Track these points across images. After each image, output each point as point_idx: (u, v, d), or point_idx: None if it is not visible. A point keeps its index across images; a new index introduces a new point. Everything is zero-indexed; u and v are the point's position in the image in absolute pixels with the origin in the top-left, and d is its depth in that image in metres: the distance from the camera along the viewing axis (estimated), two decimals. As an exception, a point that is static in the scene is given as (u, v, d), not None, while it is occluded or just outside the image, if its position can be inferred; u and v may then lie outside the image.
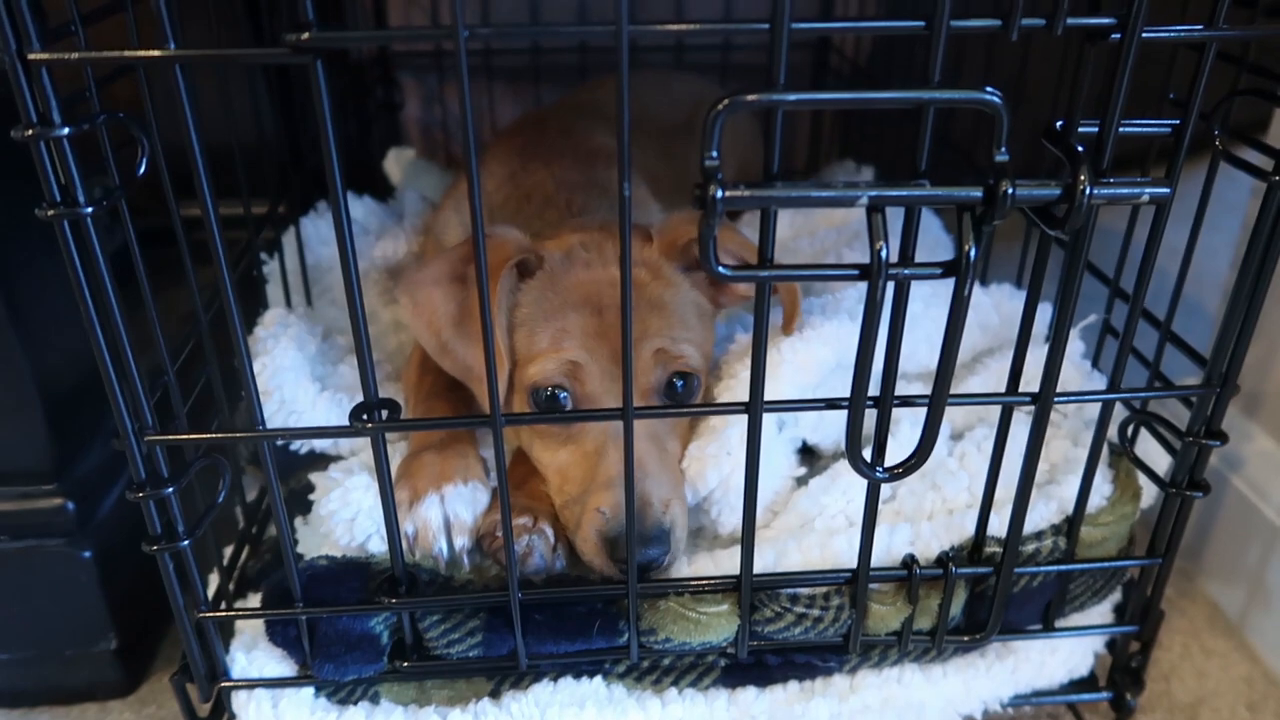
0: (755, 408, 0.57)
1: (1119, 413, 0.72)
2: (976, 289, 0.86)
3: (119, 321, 0.54)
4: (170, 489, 0.59)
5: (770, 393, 0.70)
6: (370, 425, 0.57)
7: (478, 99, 1.54)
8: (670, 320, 0.70)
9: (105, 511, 0.80)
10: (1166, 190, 0.50)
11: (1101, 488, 0.70)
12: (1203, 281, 0.69)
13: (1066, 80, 0.62)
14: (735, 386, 0.72)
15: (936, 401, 0.56)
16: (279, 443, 0.79)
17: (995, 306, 0.81)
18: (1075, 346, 0.83)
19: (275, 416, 0.78)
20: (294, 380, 0.78)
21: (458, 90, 1.59)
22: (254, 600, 0.70)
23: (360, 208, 1.11)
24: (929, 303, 0.77)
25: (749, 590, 0.64)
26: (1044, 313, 0.83)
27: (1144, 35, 0.48)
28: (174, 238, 0.64)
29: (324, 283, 1.01)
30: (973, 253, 0.50)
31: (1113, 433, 0.72)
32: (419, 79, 1.55)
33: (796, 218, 1.02)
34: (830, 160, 1.47)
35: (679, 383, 0.70)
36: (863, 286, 0.78)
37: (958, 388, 0.77)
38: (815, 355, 0.71)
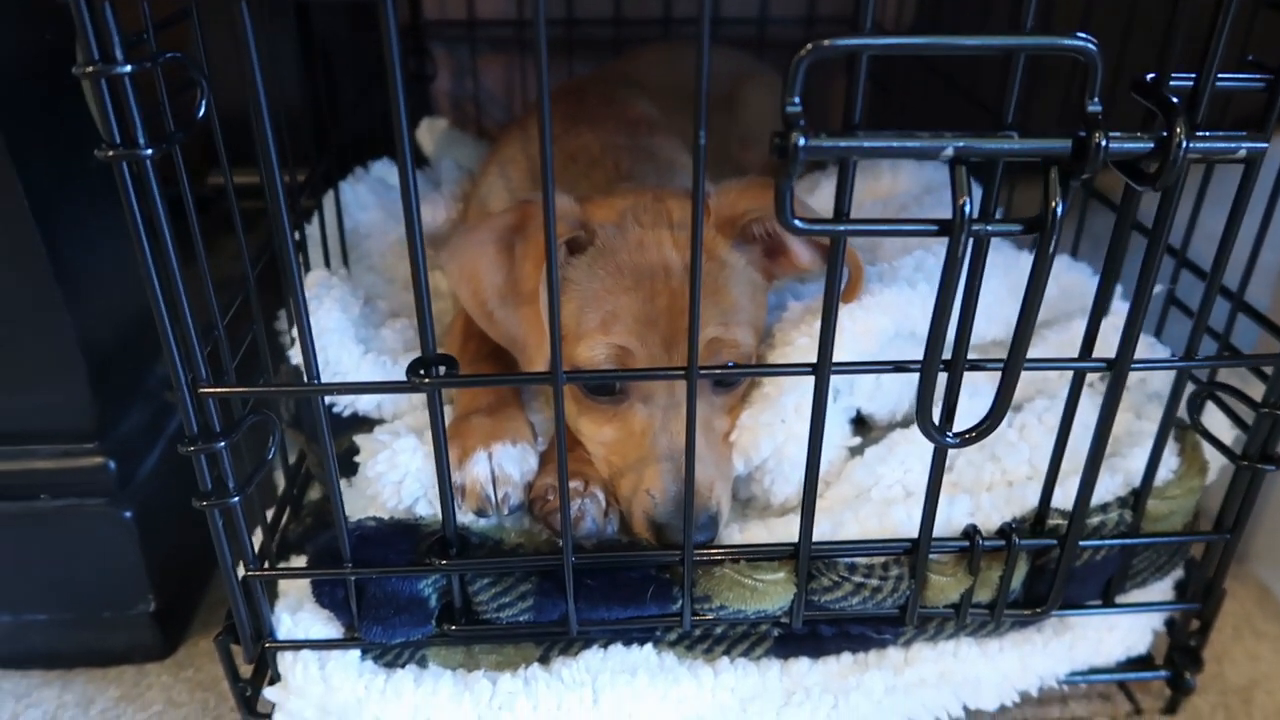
0: (823, 369, 0.56)
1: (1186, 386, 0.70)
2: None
3: (175, 269, 0.53)
4: (222, 443, 0.58)
5: (828, 360, 0.69)
6: (428, 380, 0.56)
7: (510, 74, 1.52)
8: (724, 305, 0.67)
9: (146, 472, 0.79)
10: (1264, 144, 0.48)
11: (1168, 460, 0.68)
12: (1260, 270, 0.67)
13: (1147, 31, 0.60)
14: (791, 354, 0.70)
15: (1013, 364, 0.54)
16: (325, 402, 0.78)
17: (1054, 277, 0.79)
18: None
19: (320, 377, 0.76)
20: (338, 341, 0.77)
21: (488, 63, 1.57)
22: (297, 563, 0.69)
23: (396, 174, 1.10)
24: (988, 275, 0.75)
25: (806, 557, 0.62)
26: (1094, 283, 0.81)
27: (1245, -18, 0.46)
28: (215, 205, 0.63)
29: (361, 248, 1.00)
30: (1060, 209, 0.48)
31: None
32: (450, 50, 1.53)
33: (840, 190, 0.99)
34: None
35: (731, 365, 0.69)
36: (919, 255, 0.78)
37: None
38: (875, 323, 0.70)
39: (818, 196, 1.00)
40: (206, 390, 0.57)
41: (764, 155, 1.17)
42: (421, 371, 0.56)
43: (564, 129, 0.94)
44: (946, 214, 0.49)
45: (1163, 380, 0.75)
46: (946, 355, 0.54)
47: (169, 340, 0.54)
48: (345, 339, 0.78)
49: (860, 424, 0.76)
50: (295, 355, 0.78)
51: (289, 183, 0.89)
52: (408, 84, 1.48)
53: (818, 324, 0.70)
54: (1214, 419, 0.70)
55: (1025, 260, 0.82)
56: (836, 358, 0.69)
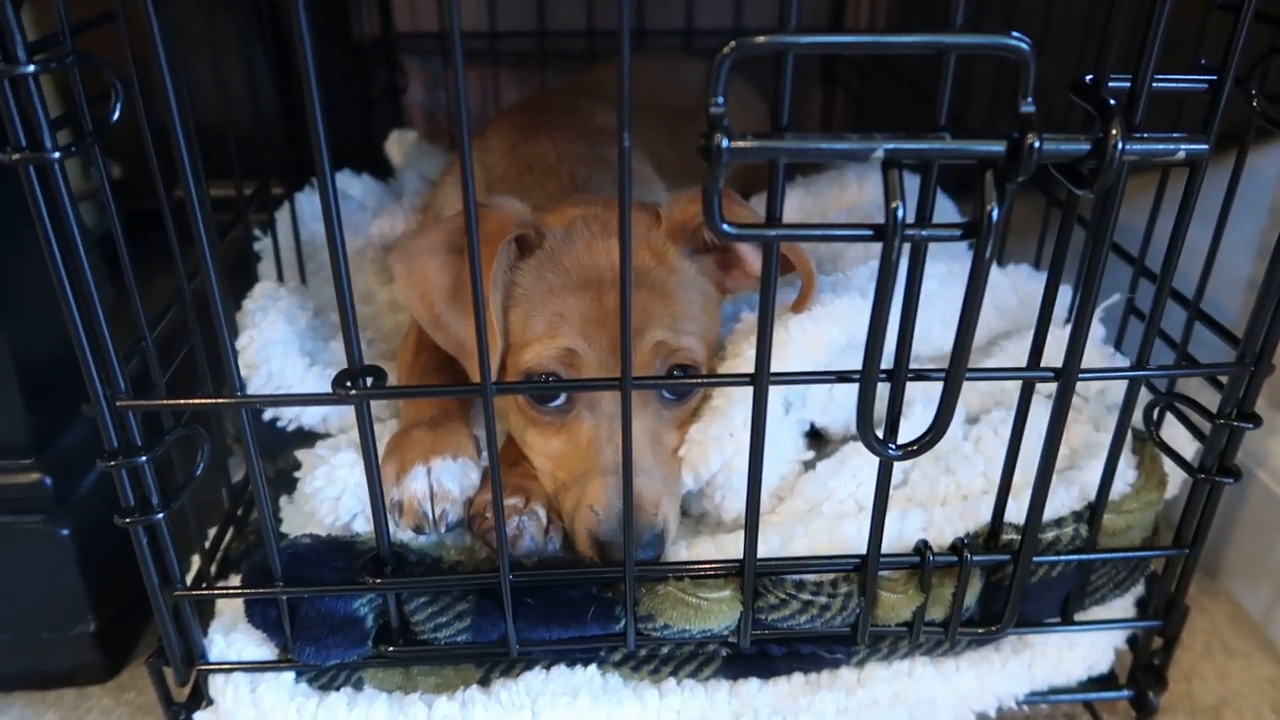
0: (761, 380, 0.54)
1: (1143, 397, 0.68)
2: (993, 270, 0.82)
3: (89, 277, 0.51)
4: (143, 458, 0.56)
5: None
6: (354, 393, 0.54)
7: (482, 84, 1.51)
8: (673, 309, 0.66)
9: (85, 489, 0.77)
10: (1204, 146, 0.47)
11: (1125, 474, 0.67)
12: (1222, 278, 0.65)
13: (1092, 32, 0.59)
14: (739, 365, 0.68)
15: (953, 375, 0.52)
16: (265, 418, 0.76)
17: (1013, 288, 0.78)
18: (1096, 329, 0.80)
19: (262, 390, 0.75)
20: (282, 354, 0.75)
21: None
22: (236, 582, 0.68)
23: (359, 185, 1.09)
24: (944, 281, 0.74)
25: (752, 574, 0.60)
26: (1064, 295, 0.80)
27: (1180, -19, 0.45)
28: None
29: (319, 259, 0.98)
30: (995, 213, 0.47)
31: (1137, 418, 0.68)
32: (423, 63, 1.53)
33: (806, 200, 0.98)
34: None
35: (679, 374, 0.67)
36: (875, 264, 0.77)
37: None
38: (825, 334, 0.68)
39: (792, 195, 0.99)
40: (125, 404, 0.55)
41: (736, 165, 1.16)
42: (348, 383, 0.54)
43: (523, 138, 0.93)
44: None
45: (1121, 391, 0.73)
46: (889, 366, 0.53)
47: (84, 351, 0.53)
48: (290, 351, 0.76)
49: (816, 437, 0.75)
50: (240, 367, 0.76)
51: (251, 193, 0.88)
52: (380, 96, 1.48)
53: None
54: (1176, 430, 0.68)
55: (996, 273, 0.81)
56: (786, 369, 0.68)
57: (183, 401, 0.57)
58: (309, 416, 0.76)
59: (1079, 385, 0.57)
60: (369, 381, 0.54)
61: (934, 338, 0.73)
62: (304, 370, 0.75)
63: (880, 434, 0.54)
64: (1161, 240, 0.67)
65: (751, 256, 0.70)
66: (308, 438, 0.76)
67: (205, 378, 0.69)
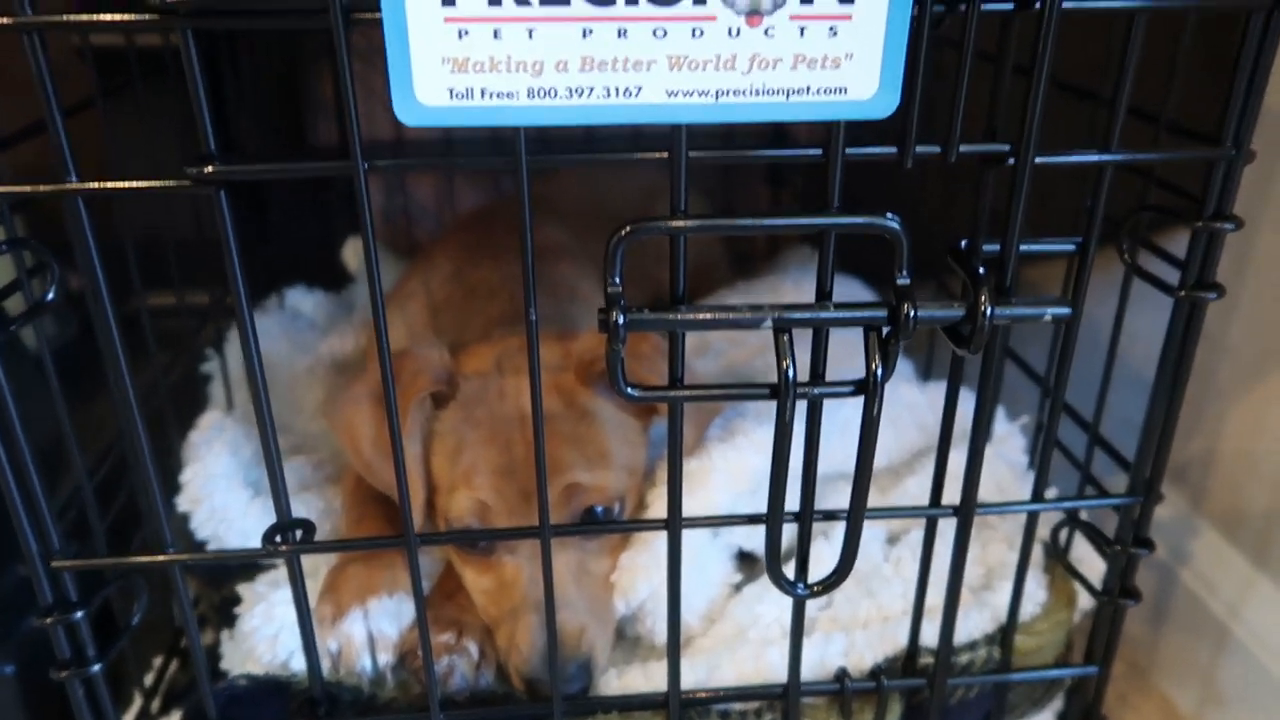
0: (674, 525, 0.57)
1: (1055, 518, 0.71)
2: (914, 389, 0.86)
3: (19, 437, 0.53)
4: (79, 614, 0.58)
5: (701, 501, 0.70)
6: (285, 548, 0.56)
7: (440, 188, 1.56)
8: (586, 450, 0.68)
9: (28, 627, 0.78)
10: (1067, 310, 0.50)
11: (1036, 594, 0.69)
12: (1136, 367, 0.69)
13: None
14: (662, 495, 0.71)
15: (854, 518, 0.55)
16: (211, 547, 0.78)
17: (932, 405, 0.82)
18: (1017, 443, 0.83)
19: (205, 525, 0.76)
20: (225, 488, 0.77)
21: (418, 178, 1.59)
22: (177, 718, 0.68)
23: (309, 301, 1.12)
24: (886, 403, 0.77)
25: (677, 708, 0.62)
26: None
27: (1037, 162, 0.49)
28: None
29: (270, 376, 1.00)
30: (880, 372, 0.50)
31: (1048, 534, 0.71)
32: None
33: (758, 341, 1.02)
34: (792, 241, 1.48)
35: (598, 510, 0.69)
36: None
37: (895, 490, 0.77)
38: (748, 463, 0.71)
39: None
40: (59, 565, 0.57)
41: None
42: (278, 538, 0.56)
43: (467, 259, 0.96)
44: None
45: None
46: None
47: (18, 514, 0.55)
48: (233, 484, 0.78)
49: (746, 557, 0.77)
50: (182, 502, 0.78)
51: (198, 307, 0.91)
52: (338, 202, 1.52)
53: (694, 462, 0.72)
54: (1088, 548, 0.71)
55: (916, 392, 0.85)
56: (708, 499, 0.71)
57: (115, 561, 0.59)
58: (253, 542, 0.78)
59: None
60: (298, 534, 0.57)
61: (845, 463, 0.76)
62: (247, 503, 0.77)
63: (790, 572, 0.56)
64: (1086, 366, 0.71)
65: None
66: (252, 567, 0.78)
67: (159, 516, 0.71)
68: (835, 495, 0.78)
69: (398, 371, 0.68)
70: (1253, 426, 0.78)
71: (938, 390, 0.83)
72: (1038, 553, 0.72)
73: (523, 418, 0.68)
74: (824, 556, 0.69)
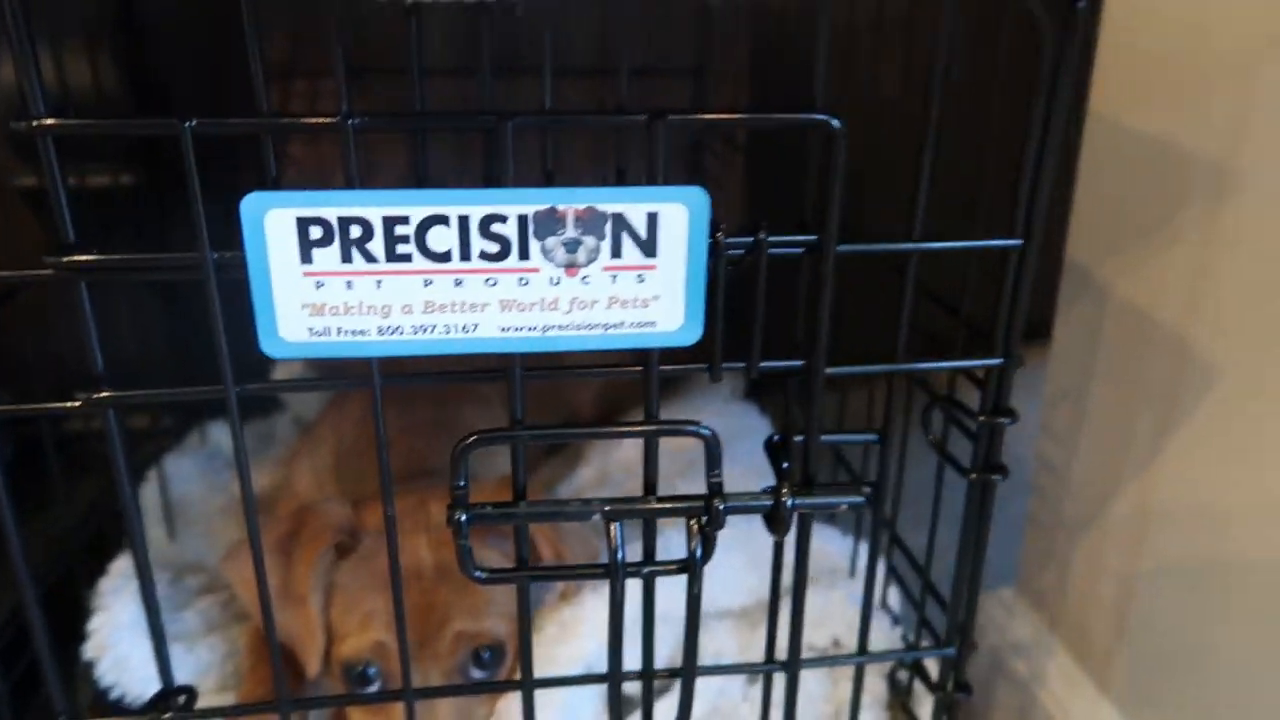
0: (527, 685, 0.63)
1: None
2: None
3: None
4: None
5: (574, 649, 0.76)
6: (166, 716, 0.61)
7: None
8: (473, 598, 0.75)
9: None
10: (862, 499, 0.58)
11: (877, 734, 0.76)
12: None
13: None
14: (540, 642, 0.77)
15: (687, 676, 0.62)
16: (112, 696, 0.82)
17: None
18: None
19: (109, 673, 0.81)
20: (130, 638, 0.82)
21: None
22: None
23: (228, 437, 1.17)
24: (728, 547, 0.84)
25: None
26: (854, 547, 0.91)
27: (828, 372, 0.57)
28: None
29: (190, 513, 1.06)
30: (699, 554, 0.57)
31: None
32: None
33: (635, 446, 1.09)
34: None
35: (486, 654, 0.75)
36: (669, 535, 0.87)
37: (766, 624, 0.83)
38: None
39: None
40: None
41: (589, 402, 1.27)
42: (158, 706, 0.61)
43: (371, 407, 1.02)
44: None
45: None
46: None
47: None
48: (139, 634, 0.83)
49: (622, 695, 0.82)
50: (88, 650, 0.82)
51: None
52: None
53: (567, 611, 0.78)
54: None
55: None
56: (580, 647, 0.77)
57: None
58: (150, 691, 0.82)
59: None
60: (181, 700, 0.62)
61: (715, 597, 0.83)
62: (151, 652, 0.81)
63: (637, 728, 0.62)
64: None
65: (542, 544, 0.79)
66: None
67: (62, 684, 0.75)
68: (716, 625, 0.85)
69: (303, 524, 0.75)
70: (1095, 553, 0.85)
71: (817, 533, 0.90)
72: (884, 690, 0.79)
73: (418, 570, 0.75)
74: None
